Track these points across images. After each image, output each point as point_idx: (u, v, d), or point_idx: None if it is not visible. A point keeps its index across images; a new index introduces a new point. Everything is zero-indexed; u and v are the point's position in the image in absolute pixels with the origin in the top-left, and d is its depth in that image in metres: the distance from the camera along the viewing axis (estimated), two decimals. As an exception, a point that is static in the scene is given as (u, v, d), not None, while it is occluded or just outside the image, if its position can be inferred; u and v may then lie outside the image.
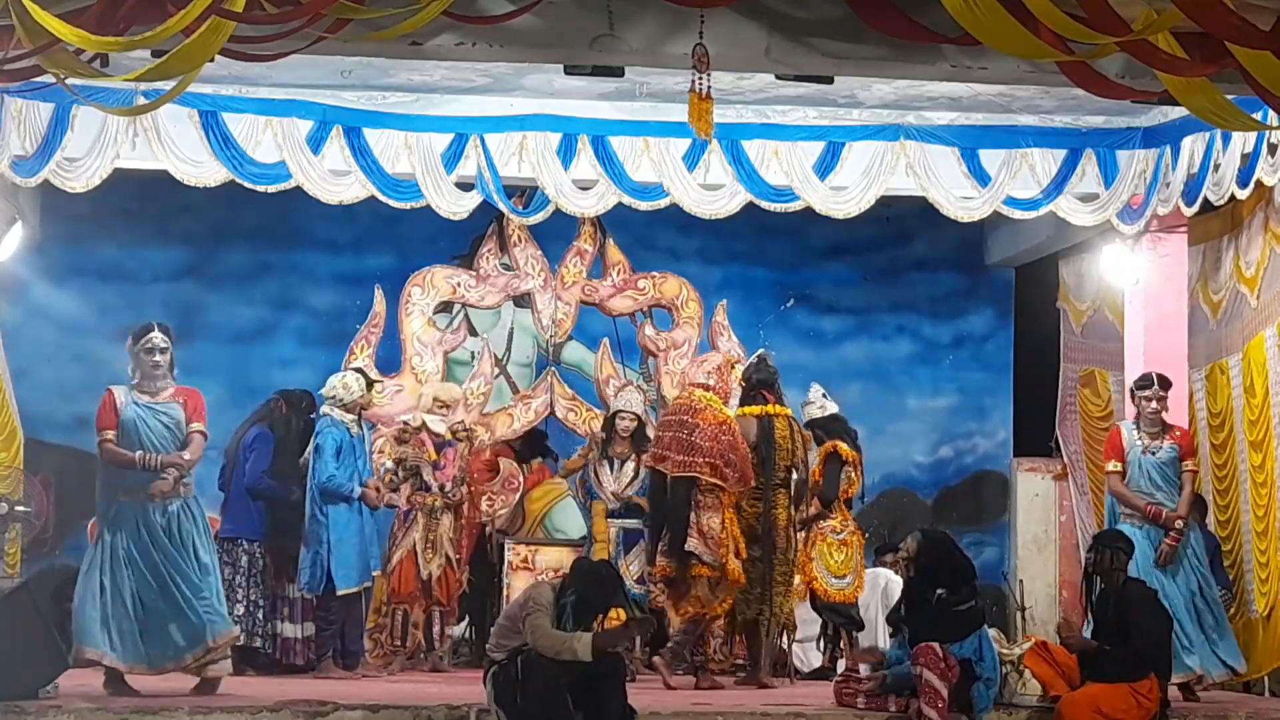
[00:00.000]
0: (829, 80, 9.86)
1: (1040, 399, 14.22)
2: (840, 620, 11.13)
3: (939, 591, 9.14)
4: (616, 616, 9.40)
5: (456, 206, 11.55)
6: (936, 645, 8.95)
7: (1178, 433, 10.66)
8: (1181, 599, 10.31)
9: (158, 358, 9.63)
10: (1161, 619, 9.38)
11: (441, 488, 11.54)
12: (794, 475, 10.78)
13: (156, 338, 9.65)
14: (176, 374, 9.79)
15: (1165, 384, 10.65)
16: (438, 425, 11.69)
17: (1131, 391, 10.82)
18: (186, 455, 9.59)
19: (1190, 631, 10.27)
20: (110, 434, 9.57)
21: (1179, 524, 10.38)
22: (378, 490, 11.14)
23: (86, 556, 9.60)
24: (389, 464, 11.61)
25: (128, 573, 9.42)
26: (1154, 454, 10.49)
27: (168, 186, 11.37)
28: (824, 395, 11.35)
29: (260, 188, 11.30)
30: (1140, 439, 10.54)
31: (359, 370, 11.45)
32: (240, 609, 10.87)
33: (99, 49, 8.27)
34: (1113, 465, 10.58)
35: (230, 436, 11.32)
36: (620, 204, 11.67)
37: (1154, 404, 10.56)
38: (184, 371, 9.93)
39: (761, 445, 10.62)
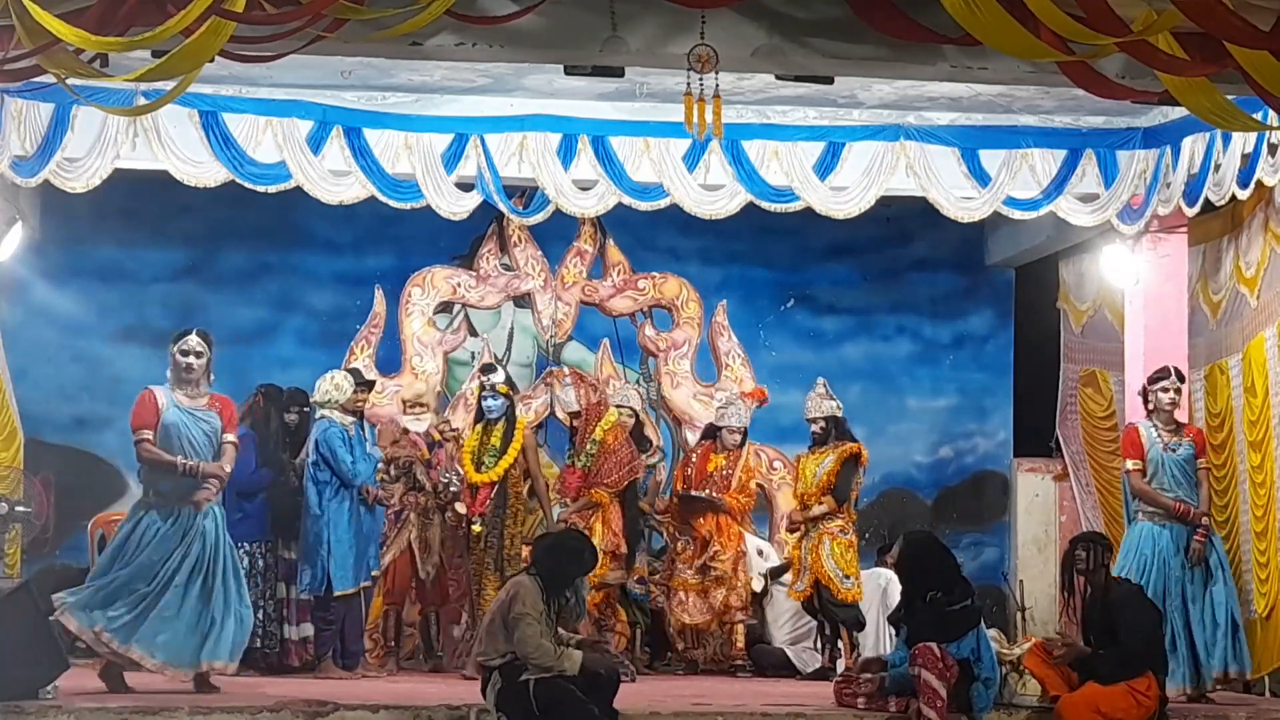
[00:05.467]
0: (829, 80, 9.87)
1: (1040, 399, 14.21)
2: (847, 619, 11.16)
3: (931, 594, 9.14)
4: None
5: (456, 207, 11.54)
6: (934, 645, 8.95)
7: (1192, 430, 10.69)
8: (1224, 603, 10.34)
9: (191, 360, 9.66)
10: (1150, 615, 9.38)
11: (435, 487, 11.52)
12: None
13: (193, 341, 9.71)
14: (213, 380, 9.83)
15: (1181, 376, 10.71)
16: (413, 425, 11.66)
17: (1144, 387, 10.73)
18: (226, 466, 9.63)
19: (1220, 637, 10.30)
20: (149, 434, 9.56)
21: (1206, 520, 10.39)
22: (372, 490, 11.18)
23: (113, 540, 9.63)
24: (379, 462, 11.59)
25: (144, 570, 9.42)
26: (1174, 451, 10.47)
27: (168, 186, 11.36)
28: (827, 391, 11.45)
29: (260, 188, 11.29)
30: (1160, 436, 10.52)
31: (350, 370, 11.41)
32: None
33: (99, 49, 8.27)
34: (1133, 464, 10.47)
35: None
36: (620, 204, 11.66)
37: (1171, 394, 10.56)
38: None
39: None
